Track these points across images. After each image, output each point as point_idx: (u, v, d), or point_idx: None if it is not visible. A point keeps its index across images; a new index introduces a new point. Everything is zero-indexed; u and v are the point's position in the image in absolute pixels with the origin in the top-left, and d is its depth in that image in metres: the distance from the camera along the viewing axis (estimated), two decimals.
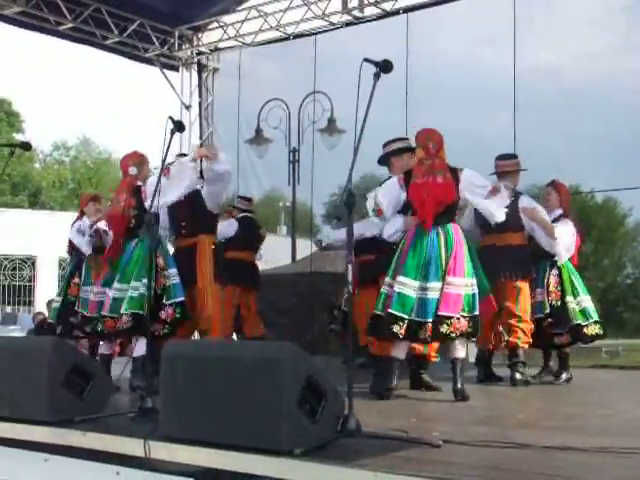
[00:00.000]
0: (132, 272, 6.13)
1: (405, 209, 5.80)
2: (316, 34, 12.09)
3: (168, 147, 5.00)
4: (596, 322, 6.98)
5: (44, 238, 23.78)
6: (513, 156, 7.25)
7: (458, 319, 5.48)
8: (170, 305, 6.13)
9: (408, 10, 11.03)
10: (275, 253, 13.23)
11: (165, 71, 13.48)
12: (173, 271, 6.22)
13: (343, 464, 3.18)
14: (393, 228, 5.83)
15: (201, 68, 13.66)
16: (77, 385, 4.56)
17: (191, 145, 13.31)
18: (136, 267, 6.12)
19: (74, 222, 7.83)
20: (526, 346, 6.66)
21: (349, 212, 4.00)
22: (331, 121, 11.11)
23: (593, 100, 9.43)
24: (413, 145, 6.10)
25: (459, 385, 5.57)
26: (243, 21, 12.55)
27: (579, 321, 6.90)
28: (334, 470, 3.16)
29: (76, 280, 7.71)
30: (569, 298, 6.95)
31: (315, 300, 10.57)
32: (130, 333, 6.19)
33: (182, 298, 6.17)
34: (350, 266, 3.98)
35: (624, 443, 3.55)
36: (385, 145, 6.42)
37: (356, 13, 11.48)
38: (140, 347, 6.06)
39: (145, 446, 3.71)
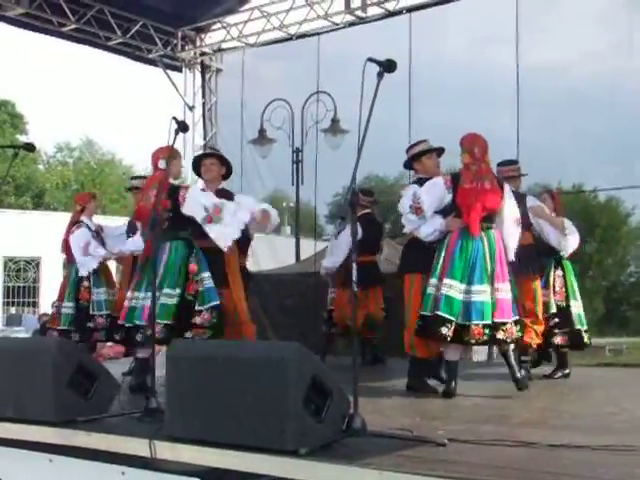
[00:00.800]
0: (165, 278, 5.93)
1: (444, 211, 5.87)
2: (319, 34, 12.09)
3: (172, 147, 5.01)
4: (586, 330, 7.15)
5: (48, 239, 23.68)
6: (514, 162, 7.32)
7: (511, 324, 5.64)
8: (206, 310, 5.94)
9: (411, 10, 11.03)
10: (279, 253, 13.24)
11: (168, 72, 13.47)
12: (206, 275, 6.00)
13: (348, 463, 3.18)
14: (432, 228, 5.88)
15: (204, 69, 13.66)
16: (82, 385, 4.55)
17: (194, 147, 13.34)
18: (169, 273, 5.94)
19: (75, 226, 7.71)
20: (535, 346, 6.69)
21: (353, 211, 4.01)
22: (334, 121, 11.10)
23: (596, 99, 9.41)
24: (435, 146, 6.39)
25: (518, 374, 5.76)
26: (246, 22, 12.56)
27: (579, 326, 6.99)
28: (339, 469, 3.16)
29: (85, 284, 7.64)
30: (572, 302, 6.99)
31: (319, 300, 10.55)
32: (163, 343, 5.80)
33: (217, 302, 5.97)
34: (355, 265, 3.98)
35: (629, 441, 3.56)
36: (410, 148, 6.53)
37: (359, 13, 11.48)
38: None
39: (150, 446, 3.71)
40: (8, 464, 4.41)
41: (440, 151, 6.51)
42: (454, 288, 5.58)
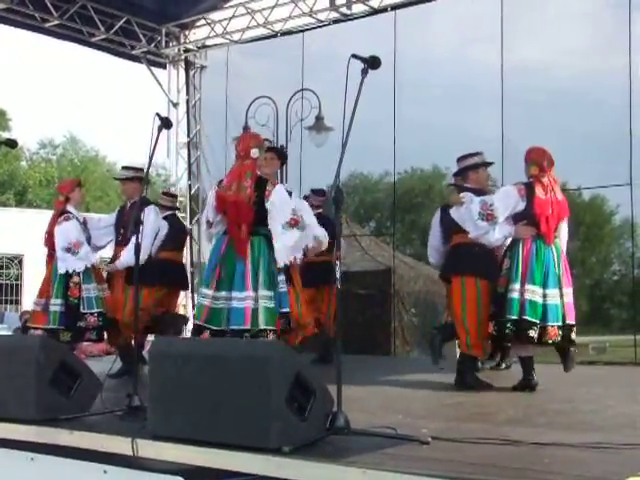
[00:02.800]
0: (265, 279, 5.73)
1: (513, 218, 6.11)
2: (304, 31, 12.10)
3: (155, 144, 4.98)
4: None
5: (31, 236, 23.53)
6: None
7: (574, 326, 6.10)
8: (280, 316, 5.80)
9: (396, 7, 11.05)
10: None
11: (152, 68, 13.44)
12: (282, 279, 5.86)
13: (332, 461, 3.18)
14: (502, 234, 6.13)
15: (188, 65, 13.63)
16: (64, 383, 4.53)
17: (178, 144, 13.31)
18: (266, 273, 5.74)
19: (62, 216, 7.25)
20: None
21: (337, 209, 4.00)
22: (319, 118, 11.08)
23: (580, 98, 9.45)
24: (488, 160, 6.83)
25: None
26: (230, 18, 12.55)
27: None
28: (323, 467, 3.15)
29: (75, 279, 7.19)
30: None
31: None
32: None
33: (287, 309, 5.85)
34: (339, 262, 3.97)
35: (611, 439, 3.57)
36: (460, 159, 6.78)
37: (344, 10, 11.49)
38: None
39: (133, 444, 3.70)
40: None
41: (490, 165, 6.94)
42: (536, 293, 5.90)
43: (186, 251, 13.33)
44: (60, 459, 4.05)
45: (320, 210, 8.48)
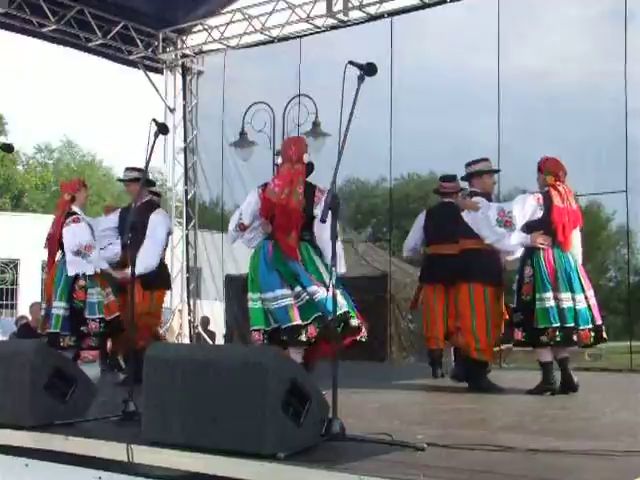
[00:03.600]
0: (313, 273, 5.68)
1: (528, 226, 6.25)
2: (301, 37, 12.11)
3: (152, 149, 4.98)
4: None
5: (27, 241, 23.58)
6: (453, 178, 7.89)
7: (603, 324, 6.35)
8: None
9: (392, 14, 11.07)
10: None
11: (149, 74, 13.45)
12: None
13: (327, 468, 3.17)
14: (517, 241, 6.27)
15: (185, 71, 13.63)
16: (59, 389, 4.51)
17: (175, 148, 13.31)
18: (313, 267, 5.69)
19: (71, 218, 7.04)
20: None
21: (333, 215, 4.00)
22: (316, 124, 11.09)
23: (576, 105, 9.46)
24: (494, 167, 7.02)
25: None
26: (228, 24, 12.55)
27: None
28: (318, 474, 3.15)
29: (81, 282, 7.00)
30: None
31: None
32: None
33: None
34: (334, 269, 3.98)
35: (607, 445, 3.58)
36: (467, 165, 6.92)
37: (341, 16, 11.49)
38: None
39: (128, 450, 3.69)
40: None
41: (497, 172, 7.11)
42: (568, 300, 6.08)
43: (182, 256, 13.37)
44: (55, 465, 4.04)
45: None
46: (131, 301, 5.12)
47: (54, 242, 7.12)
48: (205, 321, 13.53)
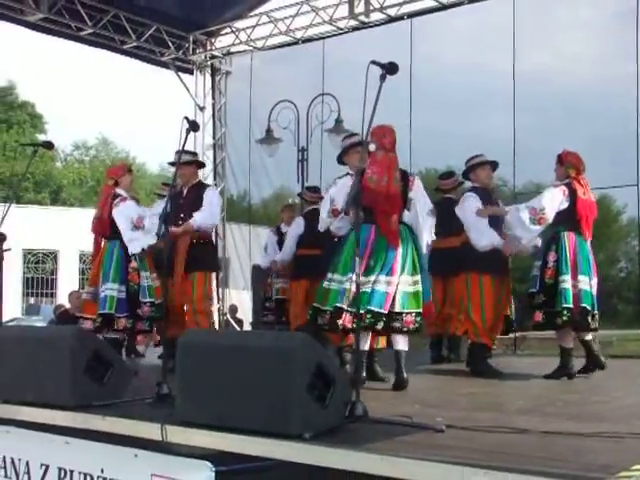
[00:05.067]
0: (408, 265, 5.49)
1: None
2: (324, 39, 12.11)
3: (184, 146, 5.02)
4: None
5: (65, 233, 23.83)
6: (452, 174, 7.99)
7: None
8: None
9: (412, 15, 11.04)
10: None
11: (180, 74, 13.52)
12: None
13: (351, 448, 3.18)
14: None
15: (214, 71, 13.68)
16: (97, 372, 4.56)
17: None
18: (409, 259, 5.51)
19: (118, 199, 6.81)
20: None
21: (357, 207, 4.01)
22: (338, 122, 11.07)
23: (589, 102, 9.39)
24: (489, 160, 6.91)
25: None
26: (254, 26, 12.58)
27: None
28: (342, 453, 3.16)
29: (134, 264, 6.79)
30: None
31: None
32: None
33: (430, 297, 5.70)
34: (358, 259, 3.99)
35: (617, 428, 3.57)
36: (468, 161, 6.97)
37: (362, 18, 11.47)
38: None
39: (162, 430, 3.72)
40: (27, 446, 4.42)
41: (495, 165, 6.98)
42: (586, 283, 6.13)
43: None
44: (93, 443, 4.08)
45: (315, 206, 8.62)
46: (162, 287, 5.11)
47: (101, 225, 6.94)
48: (233, 309, 13.59)
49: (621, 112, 9.22)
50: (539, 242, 6.86)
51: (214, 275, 7.00)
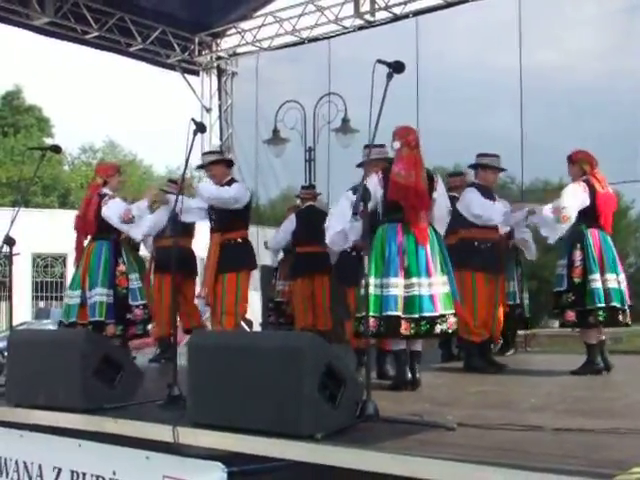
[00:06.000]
0: (438, 264, 5.40)
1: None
2: (330, 38, 12.09)
3: (191, 147, 5.02)
4: None
5: (73, 237, 23.91)
6: (461, 173, 8.01)
7: None
8: None
9: (418, 13, 11.01)
10: None
11: (186, 76, 13.52)
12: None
13: (362, 447, 3.19)
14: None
15: (220, 72, 13.67)
16: (108, 375, 4.59)
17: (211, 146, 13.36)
18: (440, 257, 5.42)
19: (107, 197, 6.68)
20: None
21: (365, 207, 4.01)
22: (345, 121, 11.08)
23: (597, 98, 9.35)
24: (501, 165, 6.95)
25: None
26: (260, 27, 12.57)
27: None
28: (354, 453, 3.17)
29: (122, 268, 6.72)
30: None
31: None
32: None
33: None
34: (367, 258, 3.99)
35: (629, 424, 3.56)
36: (478, 156, 6.96)
37: (368, 17, 11.46)
38: None
39: (174, 432, 3.73)
40: (41, 449, 4.44)
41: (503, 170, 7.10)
42: (612, 281, 6.13)
43: None
44: (105, 445, 4.10)
45: (310, 203, 8.73)
46: (173, 290, 5.15)
47: (85, 224, 6.79)
48: None
49: (628, 107, 9.18)
50: (531, 256, 7.35)
51: (248, 275, 6.99)
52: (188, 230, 7.79)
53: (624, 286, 6.22)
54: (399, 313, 5.17)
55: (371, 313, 5.15)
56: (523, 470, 2.75)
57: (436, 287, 5.28)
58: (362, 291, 4.92)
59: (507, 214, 6.58)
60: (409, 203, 5.29)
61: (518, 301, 7.79)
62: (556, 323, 7.48)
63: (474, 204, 6.62)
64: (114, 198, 6.75)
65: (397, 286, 5.20)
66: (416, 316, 5.17)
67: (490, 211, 6.61)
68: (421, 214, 5.34)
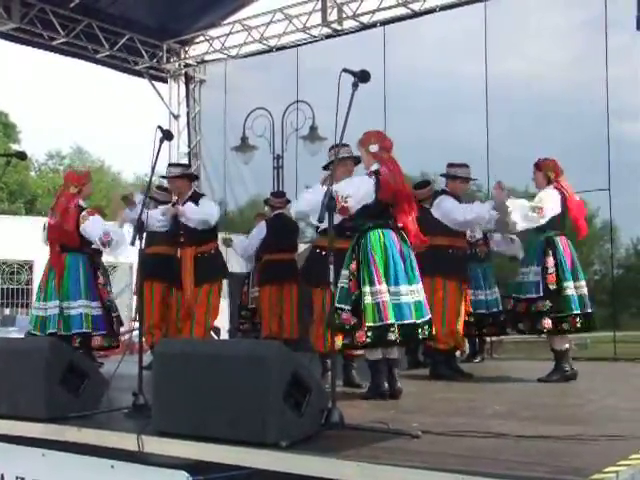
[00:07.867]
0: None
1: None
2: (298, 46, 12.13)
3: (157, 155, 4.98)
4: None
5: (40, 243, 23.66)
6: (428, 183, 7.76)
7: None
8: None
9: (385, 23, 11.11)
10: None
11: (154, 83, 13.48)
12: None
13: (327, 455, 3.18)
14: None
15: (188, 80, 13.65)
16: (73, 383, 4.53)
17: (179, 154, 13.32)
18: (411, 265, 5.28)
19: (86, 211, 6.52)
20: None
21: (330, 215, 4.01)
22: (313, 129, 11.10)
23: (561, 108, 9.45)
24: (471, 175, 7.02)
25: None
26: (228, 35, 12.59)
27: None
28: (319, 461, 3.16)
29: (101, 280, 6.64)
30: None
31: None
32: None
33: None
34: (332, 266, 3.98)
35: (593, 431, 3.59)
36: (453, 166, 6.96)
37: (335, 26, 11.52)
38: None
39: (138, 440, 3.70)
40: (3, 459, 4.38)
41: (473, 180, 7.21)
42: (582, 287, 6.24)
43: None
44: (70, 455, 4.05)
45: (280, 211, 8.71)
46: (140, 299, 5.11)
47: (61, 234, 6.56)
48: None
49: (592, 117, 9.30)
50: (521, 254, 7.00)
51: (221, 285, 7.14)
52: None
53: (586, 292, 6.31)
54: (414, 320, 5.07)
55: (388, 322, 4.97)
56: (487, 477, 2.76)
57: (422, 292, 5.25)
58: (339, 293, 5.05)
59: (491, 203, 6.52)
60: (402, 206, 5.21)
61: (501, 307, 7.78)
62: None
63: (456, 212, 6.59)
64: (93, 214, 6.55)
65: (407, 293, 5.09)
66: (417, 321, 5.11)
67: (477, 209, 6.57)
68: (412, 217, 5.25)
